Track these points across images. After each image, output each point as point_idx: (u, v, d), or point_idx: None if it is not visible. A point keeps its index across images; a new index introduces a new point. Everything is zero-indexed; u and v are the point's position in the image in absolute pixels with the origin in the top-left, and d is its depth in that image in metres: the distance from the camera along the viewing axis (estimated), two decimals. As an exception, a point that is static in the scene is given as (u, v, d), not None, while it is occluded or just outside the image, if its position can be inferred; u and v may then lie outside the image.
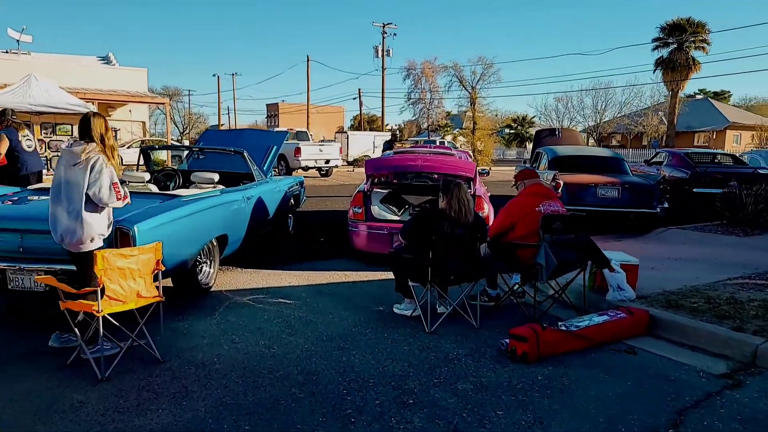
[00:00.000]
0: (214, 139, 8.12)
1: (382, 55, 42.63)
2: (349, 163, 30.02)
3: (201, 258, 5.37)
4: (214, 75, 64.84)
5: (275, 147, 8.09)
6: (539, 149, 12.16)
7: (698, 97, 50.44)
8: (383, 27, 42.38)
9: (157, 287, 3.82)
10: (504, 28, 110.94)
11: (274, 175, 8.58)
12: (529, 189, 5.13)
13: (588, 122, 48.97)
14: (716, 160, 12.39)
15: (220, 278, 6.02)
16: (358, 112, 53.98)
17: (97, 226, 3.73)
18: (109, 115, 25.89)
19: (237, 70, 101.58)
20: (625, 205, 9.51)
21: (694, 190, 11.43)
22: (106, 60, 26.56)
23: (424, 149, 9.19)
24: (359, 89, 52.63)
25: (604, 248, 5.28)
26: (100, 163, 3.68)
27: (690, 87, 42.06)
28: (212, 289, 5.59)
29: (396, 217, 6.81)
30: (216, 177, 6.37)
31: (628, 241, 8.64)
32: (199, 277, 5.36)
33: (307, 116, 42.60)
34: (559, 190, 9.54)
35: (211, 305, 5.14)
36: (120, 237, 4.19)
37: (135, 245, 4.09)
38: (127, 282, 3.61)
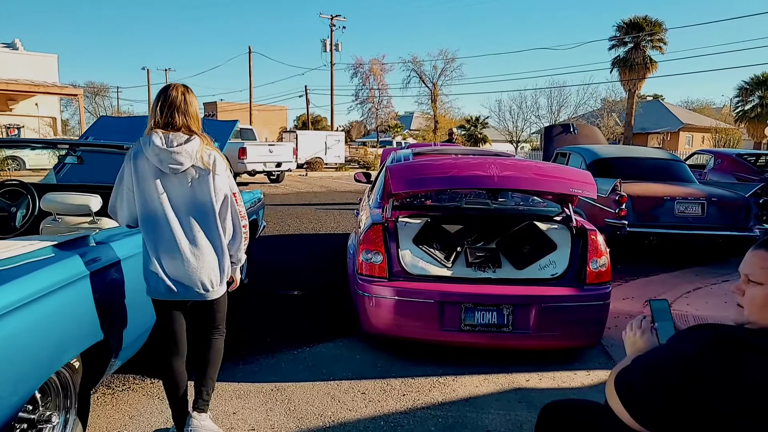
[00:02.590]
0: (109, 131, 4.78)
1: (331, 50, 39.54)
2: (300, 166, 26.60)
3: (38, 409, 2.15)
4: (143, 68, 59.22)
5: (217, 144, 4.84)
6: (563, 149, 9.43)
7: (649, 98, 50.21)
8: (331, 19, 39.33)
9: None
10: (461, 23, 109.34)
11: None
12: None
13: (542, 123, 47.65)
14: (762, 162, 10.04)
15: (98, 421, 2.77)
16: (303, 112, 50.41)
17: None
18: (10, 109, 21.42)
19: (171, 66, 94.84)
20: (712, 226, 6.90)
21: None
22: (10, 46, 22.01)
23: (454, 148, 6.18)
24: (306, 86, 49.09)
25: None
26: (221, 166, 2.56)
27: (646, 87, 41.41)
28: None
29: (447, 271, 3.75)
30: (95, 203, 3.12)
31: (717, 281, 6.00)
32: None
33: (250, 113, 38.73)
34: (623, 206, 6.80)
35: None
36: None
37: None
38: None
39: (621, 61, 37.41)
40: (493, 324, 3.57)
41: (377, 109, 46.40)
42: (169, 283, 2.49)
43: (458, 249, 3.92)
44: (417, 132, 47.59)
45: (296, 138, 27.13)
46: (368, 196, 5.50)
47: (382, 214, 4.08)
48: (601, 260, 3.71)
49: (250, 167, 16.64)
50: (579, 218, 3.98)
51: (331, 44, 39.47)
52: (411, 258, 3.80)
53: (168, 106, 2.50)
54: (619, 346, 3.94)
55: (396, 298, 3.65)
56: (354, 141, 52.23)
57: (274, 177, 18.33)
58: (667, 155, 8.65)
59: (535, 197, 4.46)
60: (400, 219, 3.97)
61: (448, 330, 3.58)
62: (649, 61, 37.06)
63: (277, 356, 3.81)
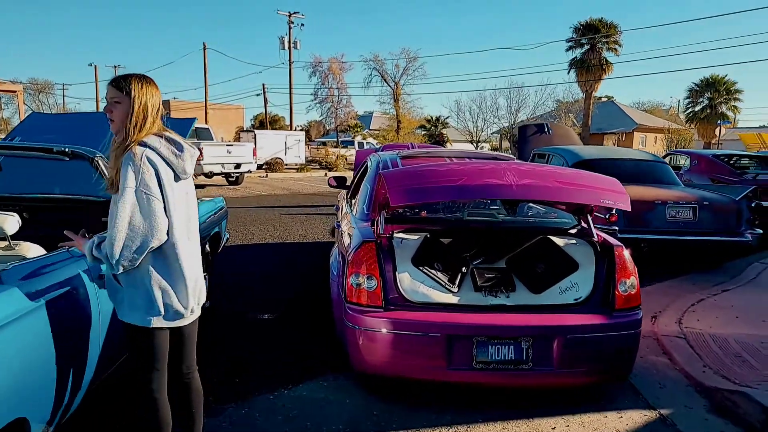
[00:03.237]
0: (41, 130, 3.97)
1: (289, 48, 38.53)
2: (260, 168, 25.61)
3: None
4: (90, 65, 56.40)
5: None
6: (541, 150, 9.03)
7: (603, 99, 51.23)
8: (289, 16, 38.35)
9: None
10: (423, 22, 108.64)
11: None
12: None
13: (502, 123, 47.91)
14: (742, 164, 9.92)
15: None
16: (260, 111, 49.11)
17: None
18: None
19: (120, 62, 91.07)
20: (704, 231, 6.58)
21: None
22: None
23: (444, 151, 5.52)
24: (263, 84, 47.74)
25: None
26: None
27: (601, 88, 42.13)
28: None
29: (453, 297, 3.17)
30: (11, 224, 2.40)
31: (717, 291, 5.68)
32: None
33: (206, 112, 37.25)
34: (614, 210, 6.40)
35: None
36: None
37: None
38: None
39: (578, 62, 38.02)
40: (510, 360, 3.02)
41: (337, 109, 45.68)
42: (178, 305, 2.14)
43: (463, 269, 3.35)
44: (377, 132, 47.01)
45: (255, 138, 26.12)
46: (348, 204, 4.86)
47: (373, 229, 3.47)
48: (630, 281, 3.21)
49: (207, 169, 15.68)
50: (600, 232, 3.48)
51: (289, 42, 38.48)
52: (410, 282, 3.20)
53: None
54: (646, 378, 3.45)
55: (394, 331, 3.05)
56: (313, 141, 51.25)
57: (233, 179, 17.40)
58: (650, 156, 8.36)
59: (543, 206, 3.93)
60: (395, 235, 3.36)
61: (457, 369, 3.00)
62: (605, 63, 37.77)
63: (249, 404, 3.15)
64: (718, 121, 37.10)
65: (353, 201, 4.61)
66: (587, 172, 3.28)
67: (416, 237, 3.42)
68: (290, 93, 38.72)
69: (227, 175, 17.14)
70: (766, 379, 3.45)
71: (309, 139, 51.47)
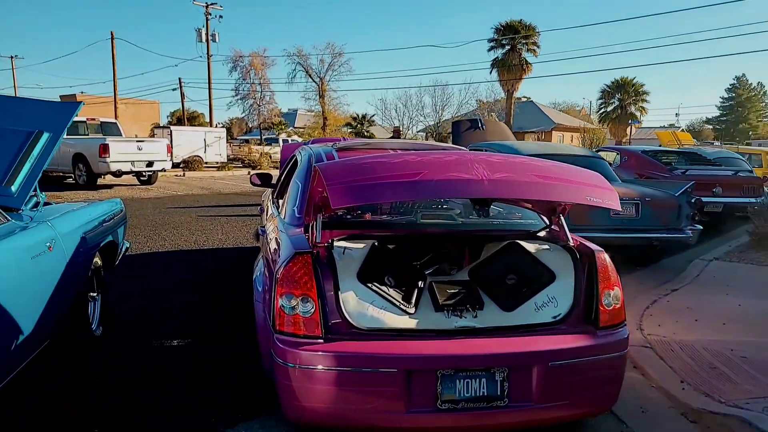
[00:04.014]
0: None
1: (207, 41, 36.60)
2: (176, 166, 23.94)
3: None
4: (-18, 54, 50.87)
5: (46, 137, 3.28)
6: (477, 145, 8.65)
7: (523, 99, 52.83)
8: (206, 7, 36.42)
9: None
10: (348, 18, 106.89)
11: (48, 203, 3.64)
12: None
13: (428, 121, 48.19)
14: (678, 161, 10.02)
15: None
16: (178, 107, 46.48)
17: None
18: None
19: (18, 52, 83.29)
20: (646, 228, 6.43)
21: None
22: None
23: (389, 143, 4.79)
24: (180, 78, 45.16)
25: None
26: None
27: (523, 89, 43.31)
28: None
29: (410, 320, 2.56)
30: None
31: (666, 290, 5.50)
32: None
33: (115, 106, 34.56)
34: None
35: None
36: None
37: None
38: None
39: (499, 62, 38.86)
40: (482, 397, 2.44)
41: (260, 106, 44.16)
42: None
43: (420, 284, 2.74)
44: (303, 129, 45.86)
45: (170, 134, 24.41)
46: (275, 205, 4.13)
47: (306, 237, 2.79)
48: (614, 292, 2.73)
49: (114, 167, 14.18)
50: (575, 235, 2.99)
51: (206, 34, 36.54)
52: (357, 303, 2.55)
53: None
54: (625, 402, 3.00)
55: (338, 368, 2.39)
56: (235, 139, 49.30)
57: (145, 178, 15.92)
58: (589, 152, 8.20)
59: (504, 204, 3.39)
60: (335, 244, 2.70)
61: (419, 411, 2.39)
62: (524, 63, 38.83)
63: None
64: (629, 121, 39.11)
65: (281, 202, 3.89)
66: (567, 165, 2.77)
67: (361, 245, 2.77)
68: (209, 88, 36.81)
69: (138, 174, 15.65)
70: (751, 395, 3.10)
71: (231, 137, 49.40)
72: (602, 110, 43.67)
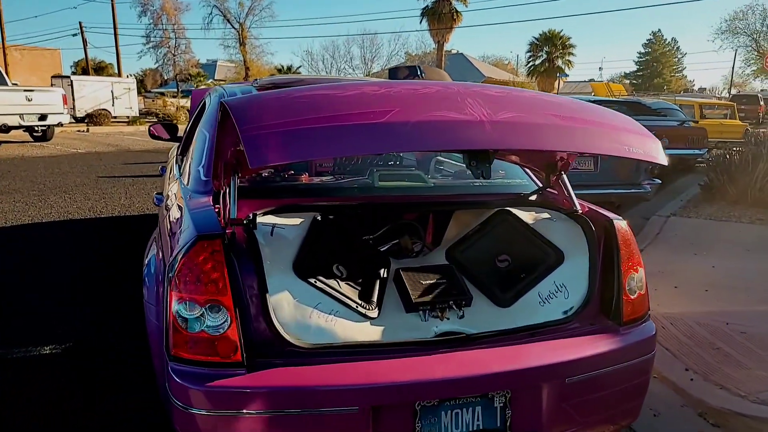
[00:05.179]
0: None
1: (111, -20, 33.02)
2: (81, 121, 21.54)
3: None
4: None
5: None
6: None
7: (454, 52, 52.26)
8: (109, -59, 32.69)
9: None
10: None
11: None
12: None
13: (357, 74, 46.63)
14: (622, 112, 9.66)
15: None
16: (83, 56, 42.09)
17: None
18: None
19: None
20: (605, 184, 5.98)
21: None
22: None
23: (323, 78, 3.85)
24: (80, 23, 40.58)
25: None
26: None
27: (454, 41, 42.69)
28: None
29: (372, 330, 1.77)
30: None
31: None
32: None
33: (4, 54, 30.67)
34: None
35: None
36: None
37: None
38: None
39: (429, 11, 38.00)
40: (477, 431, 1.74)
41: (174, 55, 40.99)
42: None
43: (383, 274, 1.95)
44: (223, 81, 43.03)
45: (71, 85, 21.86)
46: (178, 166, 3.15)
47: (217, 210, 1.92)
48: (639, 275, 2.07)
49: (-1, 121, 12.23)
50: (581, 201, 2.28)
51: (110, -28, 32.95)
52: (294, 308, 1.73)
53: None
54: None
55: (271, 412, 1.59)
56: (150, 91, 45.74)
57: (39, 134, 13.96)
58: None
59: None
60: (259, 220, 1.84)
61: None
62: (455, 13, 38.12)
63: None
64: (557, 74, 39.52)
65: (185, 159, 2.93)
66: (592, 106, 2.00)
67: (297, 221, 1.93)
68: (115, 34, 33.46)
69: (30, 130, 13.67)
70: (771, 383, 2.60)
71: (144, 90, 45.75)
72: (530, 64, 43.86)
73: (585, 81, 50.49)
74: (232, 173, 1.87)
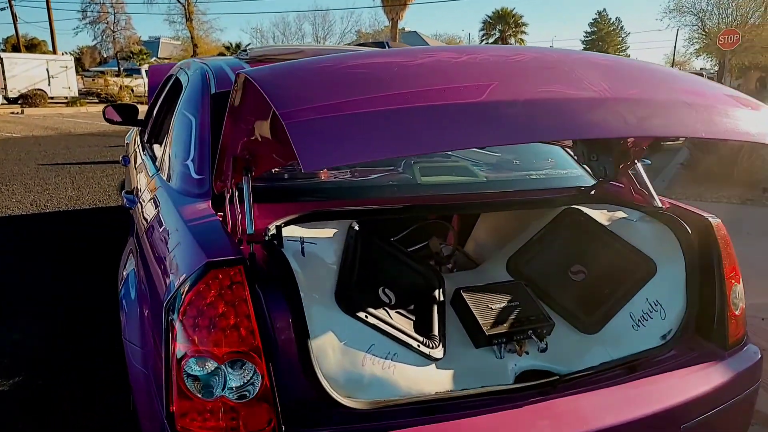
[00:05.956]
0: None
1: (40, -51, 30.60)
2: (11, 101, 19.90)
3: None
4: None
5: None
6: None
7: (407, 30, 51.63)
8: None
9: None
10: None
11: None
12: None
13: (309, 52, 45.34)
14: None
15: None
16: (12, 32, 39.07)
17: None
18: None
19: None
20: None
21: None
22: None
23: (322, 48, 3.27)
24: (8, -4, 37.49)
25: None
26: None
27: (407, 20, 42.09)
28: None
29: (441, 376, 1.35)
30: None
31: None
32: None
33: None
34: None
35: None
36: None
37: None
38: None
39: (384, -13, 37.42)
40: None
41: (114, 32, 38.72)
42: None
43: (437, 296, 1.53)
44: (168, 60, 40.98)
45: (1, 62, 20.14)
46: (149, 156, 2.59)
47: (220, 218, 1.44)
48: (740, 286, 1.73)
49: None
50: (662, 197, 1.91)
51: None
52: (341, 355, 1.29)
53: None
54: None
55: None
56: (88, 70, 43.07)
57: (-34, 117, 12.67)
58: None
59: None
60: (285, 234, 1.38)
61: None
62: (409, -11, 37.77)
63: None
64: (512, 53, 39.82)
65: (158, 150, 2.39)
66: (698, 77, 1.61)
67: (330, 233, 1.48)
68: (48, 8, 31.15)
69: (-44, 112, 12.38)
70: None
71: (82, 69, 43.04)
72: (484, 41, 43.90)
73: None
74: (244, 172, 1.39)
